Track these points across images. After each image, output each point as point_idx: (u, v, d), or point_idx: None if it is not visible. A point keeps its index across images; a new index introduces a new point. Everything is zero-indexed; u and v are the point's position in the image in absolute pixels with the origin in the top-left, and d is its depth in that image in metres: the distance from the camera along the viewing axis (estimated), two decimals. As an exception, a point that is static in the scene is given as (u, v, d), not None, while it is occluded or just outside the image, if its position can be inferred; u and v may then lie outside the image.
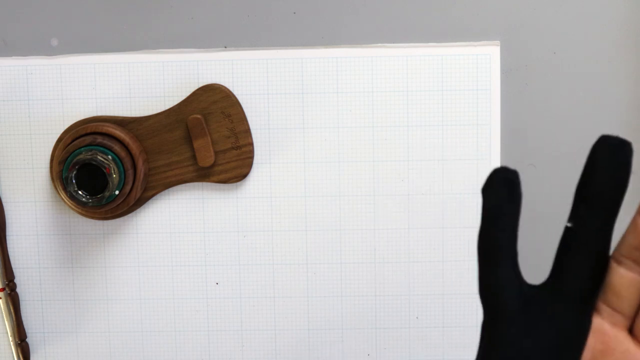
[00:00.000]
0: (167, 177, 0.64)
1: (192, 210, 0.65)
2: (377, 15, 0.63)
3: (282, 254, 0.65)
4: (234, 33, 0.64)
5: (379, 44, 0.64)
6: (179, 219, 0.65)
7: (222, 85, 0.63)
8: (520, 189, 0.32)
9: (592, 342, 0.32)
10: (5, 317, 0.66)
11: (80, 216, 0.65)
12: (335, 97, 0.64)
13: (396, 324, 0.66)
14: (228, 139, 0.63)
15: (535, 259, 0.65)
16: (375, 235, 0.65)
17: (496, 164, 0.64)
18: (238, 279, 0.66)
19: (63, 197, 0.62)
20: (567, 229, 0.32)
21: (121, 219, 0.65)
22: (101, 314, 0.66)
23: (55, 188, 0.63)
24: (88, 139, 0.61)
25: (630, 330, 0.32)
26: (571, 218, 0.32)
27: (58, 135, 0.65)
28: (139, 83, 0.64)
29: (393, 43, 0.64)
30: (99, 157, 0.59)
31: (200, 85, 0.64)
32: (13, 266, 0.66)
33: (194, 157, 0.64)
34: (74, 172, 0.59)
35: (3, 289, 0.65)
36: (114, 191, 0.60)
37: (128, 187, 0.61)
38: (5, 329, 0.66)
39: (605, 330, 0.32)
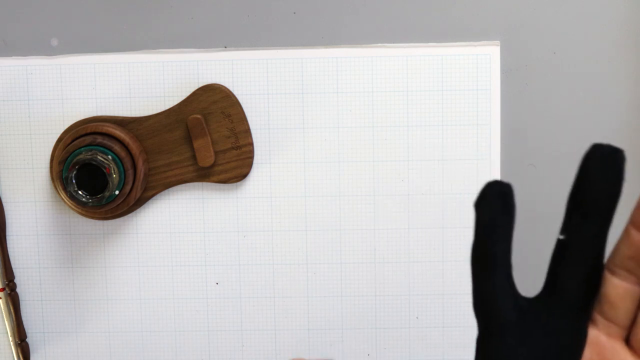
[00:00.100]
0: (167, 177, 0.64)
1: (192, 210, 0.65)
2: (377, 15, 0.63)
3: (282, 254, 0.65)
4: (234, 33, 0.64)
5: (379, 44, 0.64)
6: (179, 219, 0.65)
7: (222, 85, 0.63)
8: (514, 202, 0.32)
9: (589, 354, 0.32)
10: (5, 317, 0.66)
11: (80, 216, 0.65)
12: (335, 97, 0.64)
13: (396, 324, 0.66)
14: (228, 139, 0.63)
15: (536, 259, 0.65)
16: (375, 235, 0.65)
17: (496, 164, 0.64)
18: (238, 279, 0.66)
19: (63, 197, 0.62)
20: (559, 241, 0.32)
21: (121, 219, 0.65)
22: (101, 314, 0.66)
23: (55, 188, 0.63)
24: (88, 139, 0.61)
25: (627, 341, 0.32)
26: (564, 229, 0.31)
27: (58, 135, 0.65)
28: (139, 83, 0.64)
29: (393, 43, 0.64)
30: (99, 157, 0.59)
31: (200, 85, 0.64)
32: (13, 266, 0.66)
33: (194, 157, 0.64)
34: (74, 172, 0.59)
35: (3, 289, 0.65)
36: (114, 191, 0.60)
37: (128, 187, 0.61)
38: (5, 329, 0.66)
39: (601, 341, 0.32)
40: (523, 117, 0.64)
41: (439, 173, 0.64)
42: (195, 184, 0.65)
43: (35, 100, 0.65)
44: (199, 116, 0.63)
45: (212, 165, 0.64)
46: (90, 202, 0.59)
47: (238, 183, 0.65)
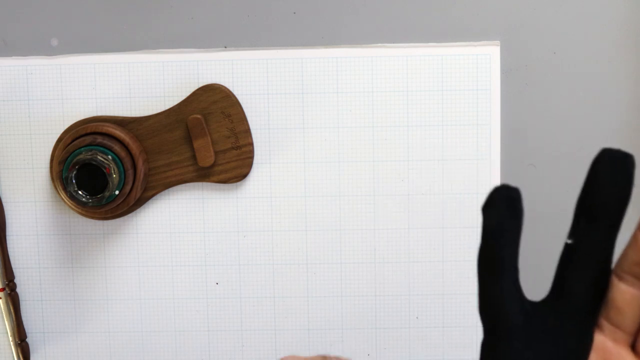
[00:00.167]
0: (167, 177, 0.64)
1: (192, 210, 0.65)
2: (377, 15, 0.63)
3: (282, 254, 0.65)
4: (234, 33, 0.64)
5: (379, 44, 0.64)
6: (179, 219, 0.65)
7: (222, 85, 0.63)
8: (522, 206, 0.32)
9: (594, 359, 0.32)
10: (5, 317, 0.66)
11: (80, 216, 0.65)
12: (335, 97, 0.64)
13: (396, 324, 0.66)
14: (228, 139, 0.63)
15: (536, 259, 0.65)
16: (375, 235, 0.65)
17: (496, 164, 0.64)
18: (238, 279, 0.66)
19: (63, 197, 0.62)
20: (567, 245, 0.31)
21: (121, 219, 0.65)
22: (101, 314, 0.66)
23: (55, 188, 0.63)
24: (88, 139, 0.61)
25: (633, 347, 0.32)
26: (572, 234, 0.31)
27: (58, 135, 0.65)
28: (139, 83, 0.64)
29: (393, 43, 0.64)
30: (99, 157, 0.59)
31: (200, 85, 0.64)
32: (13, 266, 0.66)
33: (194, 157, 0.64)
34: (74, 172, 0.59)
35: (3, 289, 0.65)
36: (114, 191, 0.60)
37: (128, 187, 0.61)
38: (5, 329, 0.66)
39: (607, 347, 0.32)
40: (523, 117, 0.64)
41: (439, 173, 0.64)
42: (195, 184, 0.65)
43: (35, 100, 0.65)
44: (199, 116, 0.63)
45: (212, 165, 0.64)
46: (90, 202, 0.59)
47: (238, 183, 0.65)
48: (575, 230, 0.31)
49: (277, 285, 0.66)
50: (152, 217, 0.65)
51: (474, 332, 0.66)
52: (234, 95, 0.63)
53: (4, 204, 0.65)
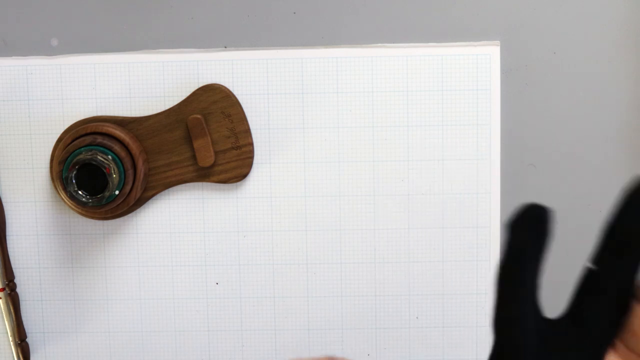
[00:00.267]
0: (167, 177, 0.64)
1: (192, 210, 0.65)
2: (377, 15, 0.63)
3: (282, 254, 0.65)
4: (234, 33, 0.64)
5: (379, 44, 0.64)
6: (179, 219, 0.65)
7: (222, 85, 0.63)
8: (550, 227, 0.31)
9: None
10: (5, 317, 0.66)
11: (80, 216, 0.65)
12: (335, 97, 0.64)
13: (396, 324, 0.66)
14: (228, 139, 0.63)
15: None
16: (375, 235, 0.65)
17: (496, 164, 0.64)
18: (238, 279, 0.66)
19: (63, 197, 0.62)
20: (589, 270, 0.31)
21: (121, 219, 0.65)
22: (101, 314, 0.66)
23: (55, 188, 0.63)
24: (88, 139, 0.61)
25: None
26: (597, 260, 0.31)
27: (58, 135, 0.65)
28: (139, 83, 0.64)
29: (393, 43, 0.64)
30: (99, 157, 0.59)
31: (200, 85, 0.64)
32: (13, 266, 0.66)
33: (194, 157, 0.64)
34: (74, 172, 0.59)
35: (3, 289, 0.65)
36: (114, 191, 0.60)
37: (128, 187, 0.61)
38: (5, 329, 0.66)
39: None
40: (523, 117, 0.64)
41: (439, 173, 0.64)
42: (195, 184, 0.65)
43: (35, 100, 0.65)
44: (199, 116, 0.63)
45: (212, 165, 0.64)
46: (90, 202, 0.59)
47: (238, 183, 0.65)
48: (601, 258, 0.30)
49: (277, 285, 0.66)
50: (152, 217, 0.65)
51: (474, 332, 0.66)
52: (234, 95, 0.63)
53: (4, 204, 0.65)
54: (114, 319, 0.66)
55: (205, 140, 0.63)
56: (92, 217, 0.64)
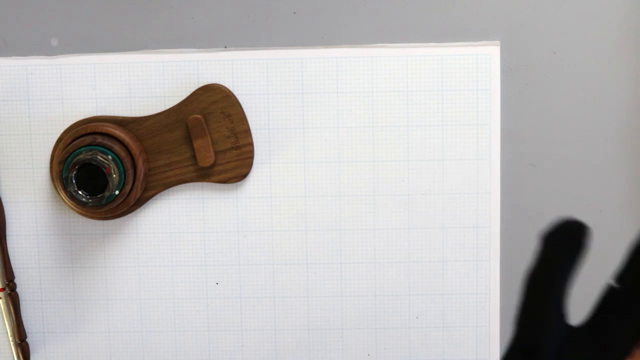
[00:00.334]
0: (167, 177, 0.64)
1: (192, 210, 0.65)
2: (377, 15, 0.63)
3: (282, 254, 0.65)
4: (234, 33, 0.64)
5: (379, 44, 0.64)
6: (179, 219, 0.65)
7: (222, 85, 0.63)
8: (585, 242, 0.31)
9: None
10: (5, 317, 0.66)
11: (80, 216, 0.65)
12: (335, 97, 0.64)
13: (396, 324, 0.66)
14: (228, 139, 0.63)
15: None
16: (375, 235, 0.65)
17: (496, 164, 0.64)
18: (238, 279, 0.66)
19: (63, 197, 0.62)
20: (612, 288, 0.31)
21: (121, 219, 0.65)
22: (101, 314, 0.66)
23: (55, 188, 0.63)
24: (88, 139, 0.61)
25: None
26: (620, 278, 0.31)
27: (58, 135, 0.65)
28: (139, 83, 0.64)
29: (393, 43, 0.64)
30: (99, 157, 0.59)
31: (200, 85, 0.64)
32: (13, 266, 0.66)
33: (194, 157, 0.64)
34: (74, 172, 0.59)
35: (3, 289, 0.65)
36: (114, 191, 0.60)
37: (128, 187, 0.61)
38: (5, 329, 0.66)
39: None
40: (523, 117, 0.64)
41: (439, 173, 0.64)
42: (195, 184, 0.65)
43: (35, 100, 0.64)
44: (199, 116, 0.63)
45: (212, 165, 0.64)
46: (90, 202, 0.59)
47: (238, 183, 0.65)
48: (625, 276, 0.30)
49: (277, 285, 0.66)
50: (152, 217, 0.65)
51: (474, 332, 0.66)
52: (234, 95, 0.63)
53: (4, 204, 0.65)
54: (114, 319, 0.66)
55: (205, 140, 0.63)
56: (92, 217, 0.64)
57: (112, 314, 0.66)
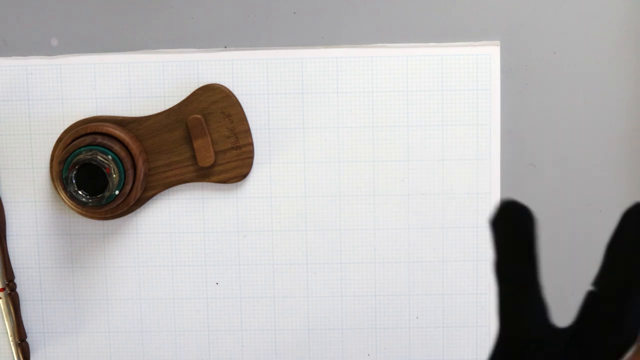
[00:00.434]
0: (167, 177, 0.64)
1: (192, 210, 0.65)
2: (377, 15, 0.63)
3: (282, 254, 0.65)
4: (234, 33, 0.64)
5: (379, 44, 0.64)
6: (179, 219, 0.65)
7: (222, 85, 0.63)
8: (526, 220, 0.31)
9: None
10: (5, 317, 0.66)
11: (80, 216, 0.65)
12: (335, 97, 0.64)
13: (396, 324, 0.66)
14: (228, 139, 0.63)
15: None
16: (375, 235, 0.65)
17: (496, 164, 0.64)
18: (238, 279, 0.66)
19: (63, 197, 0.62)
20: (590, 293, 0.31)
21: (121, 219, 0.65)
22: (101, 314, 0.66)
23: (55, 188, 0.63)
24: (88, 139, 0.61)
25: None
26: (595, 281, 0.30)
27: (58, 135, 0.65)
28: (139, 83, 0.64)
29: (393, 43, 0.64)
30: (99, 157, 0.59)
31: (200, 85, 0.64)
32: (13, 266, 0.66)
33: (194, 157, 0.64)
34: (74, 172, 0.59)
35: (3, 289, 0.65)
36: (114, 191, 0.60)
37: (128, 187, 0.61)
38: (5, 329, 0.66)
39: None
40: (523, 117, 0.64)
41: (439, 173, 0.64)
42: (195, 184, 0.65)
43: (35, 100, 0.65)
44: (199, 116, 0.63)
45: (212, 165, 0.64)
46: (90, 202, 0.59)
47: (238, 183, 0.65)
48: (599, 279, 0.30)
49: (277, 285, 0.66)
50: (152, 217, 0.65)
51: (474, 332, 0.66)
52: (234, 95, 0.63)
53: (4, 204, 0.65)
54: (114, 319, 0.66)
55: (205, 140, 0.63)
56: (92, 217, 0.64)
57: (112, 314, 0.66)
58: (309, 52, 0.64)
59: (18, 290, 0.66)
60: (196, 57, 0.64)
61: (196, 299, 0.66)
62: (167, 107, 0.64)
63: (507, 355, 0.31)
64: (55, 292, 0.66)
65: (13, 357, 0.66)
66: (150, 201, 0.65)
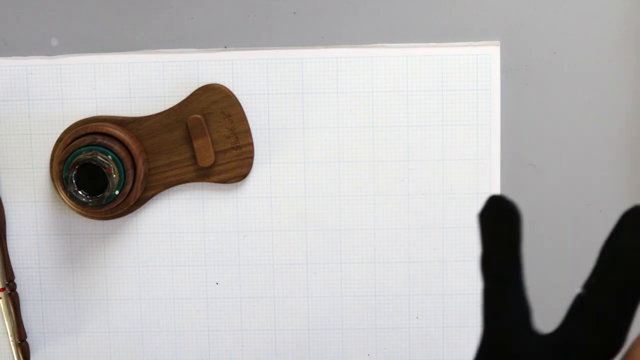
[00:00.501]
0: (167, 177, 0.64)
1: (192, 210, 0.65)
2: (377, 15, 0.63)
3: (282, 254, 0.65)
4: (234, 33, 0.64)
5: (379, 44, 0.64)
6: (179, 219, 0.65)
7: (222, 85, 0.63)
8: (518, 216, 0.31)
9: None
10: (5, 317, 0.66)
11: (80, 216, 0.65)
12: (335, 97, 0.64)
13: (396, 324, 0.66)
14: (228, 139, 0.63)
15: (535, 260, 0.64)
16: (375, 235, 0.65)
17: (496, 164, 0.64)
18: (238, 279, 0.66)
19: (63, 197, 0.62)
20: (578, 296, 0.30)
21: (121, 219, 0.65)
22: (101, 314, 0.66)
23: (55, 188, 0.63)
24: (88, 139, 0.61)
25: None
26: (584, 285, 0.30)
27: (58, 135, 0.65)
28: (139, 83, 0.64)
29: (393, 43, 0.64)
30: (99, 157, 0.59)
31: (200, 85, 0.64)
32: (13, 266, 0.66)
33: (194, 157, 0.64)
34: (74, 172, 0.59)
35: (3, 289, 0.65)
36: (114, 191, 0.60)
37: (128, 187, 0.61)
38: (5, 329, 0.66)
39: None
40: (523, 117, 0.64)
41: (439, 173, 0.64)
42: (195, 184, 0.65)
43: (35, 100, 0.65)
44: (199, 116, 0.63)
45: (212, 165, 0.64)
46: (90, 202, 0.59)
47: (238, 183, 0.65)
48: (589, 282, 0.30)
49: (277, 285, 0.66)
50: (152, 217, 0.65)
51: (474, 332, 0.66)
52: (234, 95, 0.63)
53: (4, 204, 0.65)
54: (114, 319, 0.66)
55: (205, 140, 0.63)
56: (92, 217, 0.64)
57: (112, 314, 0.66)
58: (309, 52, 0.64)
59: (18, 290, 0.66)
60: (196, 57, 0.64)
61: (196, 299, 0.66)
62: (167, 107, 0.64)
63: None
64: (55, 292, 0.66)
65: (13, 357, 0.66)
66: (150, 201, 0.65)
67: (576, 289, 0.31)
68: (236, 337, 0.66)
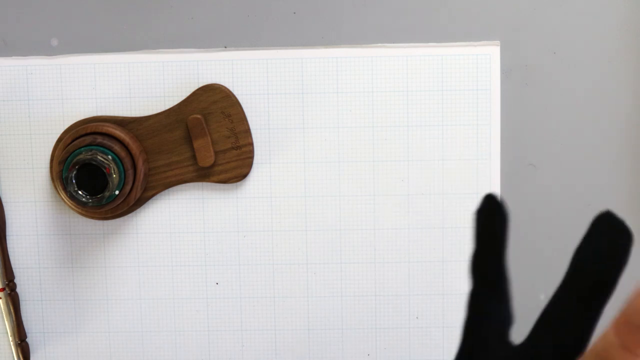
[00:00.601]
0: (167, 177, 0.64)
1: (192, 210, 0.65)
2: (377, 15, 0.63)
3: (282, 254, 0.65)
4: (234, 33, 0.64)
5: (379, 44, 0.64)
6: (179, 219, 0.65)
7: (222, 85, 0.63)
8: (506, 216, 0.31)
9: None
10: (5, 317, 0.66)
11: (80, 216, 0.65)
12: (335, 97, 0.64)
13: (396, 324, 0.66)
14: (228, 139, 0.63)
15: (535, 259, 0.64)
16: (375, 235, 0.65)
17: (496, 164, 0.64)
18: (238, 279, 0.66)
19: (63, 197, 0.62)
20: (546, 305, 0.30)
21: (121, 219, 0.65)
22: (101, 314, 0.66)
23: (55, 188, 0.63)
24: (88, 139, 0.61)
25: None
26: (553, 296, 0.30)
27: (58, 135, 0.65)
28: (139, 83, 0.64)
29: (393, 43, 0.64)
30: (99, 157, 0.59)
31: (200, 85, 0.64)
32: (13, 266, 0.66)
33: (194, 157, 0.64)
34: (74, 172, 0.59)
35: (3, 289, 0.65)
36: (114, 191, 0.60)
37: (128, 187, 0.61)
38: (5, 329, 0.66)
39: None
40: (523, 117, 0.64)
41: (439, 173, 0.64)
42: (195, 184, 0.65)
43: (35, 100, 0.64)
44: (199, 116, 0.63)
45: (212, 165, 0.64)
46: (90, 202, 0.59)
47: (238, 183, 0.65)
48: (556, 293, 0.29)
49: (277, 285, 0.66)
50: (152, 217, 0.65)
51: (474, 332, 0.66)
52: (234, 95, 0.63)
53: (4, 204, 0.65)
54: (114, 319, 0.66)
55: (205, 140, 0.63)
56: (92, 217, 0.64)
57: (112, 314, 0.66)
58: (309, 52, 0.64)
59: (18, 290, 0.66)
60: (196, 57, 0.64)
61: (196, 299, 0.66)
62: (167, 107, 0.64)
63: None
64: (55, 292, 0.66)
65: (13, 357, 0.66)
66: (150, 201, 0.65)
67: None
68: (236, 337, 0.66)
